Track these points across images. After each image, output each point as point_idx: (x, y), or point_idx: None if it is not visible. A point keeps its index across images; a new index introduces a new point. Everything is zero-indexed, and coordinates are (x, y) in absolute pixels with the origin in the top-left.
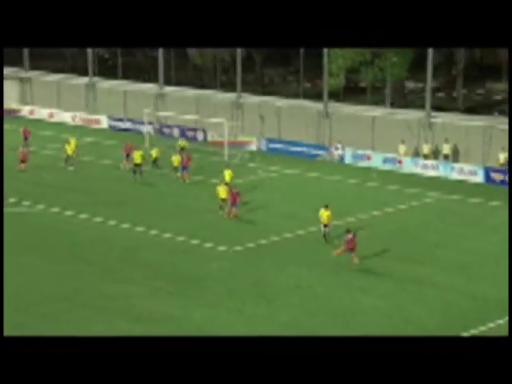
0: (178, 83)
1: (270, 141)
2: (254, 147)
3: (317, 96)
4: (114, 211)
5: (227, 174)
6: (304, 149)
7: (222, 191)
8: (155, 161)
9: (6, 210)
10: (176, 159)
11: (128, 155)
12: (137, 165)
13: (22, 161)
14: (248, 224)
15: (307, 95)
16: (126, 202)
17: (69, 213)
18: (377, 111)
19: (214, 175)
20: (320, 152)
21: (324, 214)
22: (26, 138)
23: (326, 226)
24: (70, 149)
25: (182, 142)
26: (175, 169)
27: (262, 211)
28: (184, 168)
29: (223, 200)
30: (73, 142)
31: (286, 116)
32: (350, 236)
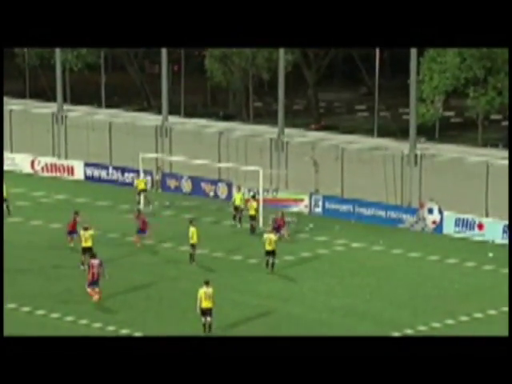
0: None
1: (329, 199)
2: (304, 208)
3: (400, 132)
4: None
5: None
6: (380, 211)
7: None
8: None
9: None
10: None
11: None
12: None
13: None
14: None
15: (384, 131)
16: None
17: None
18: (491, 155)
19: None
20: (405, 216)
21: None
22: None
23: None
24: None
25: (140, 181)
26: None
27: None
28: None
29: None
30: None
31: (352, 162)
32: None
